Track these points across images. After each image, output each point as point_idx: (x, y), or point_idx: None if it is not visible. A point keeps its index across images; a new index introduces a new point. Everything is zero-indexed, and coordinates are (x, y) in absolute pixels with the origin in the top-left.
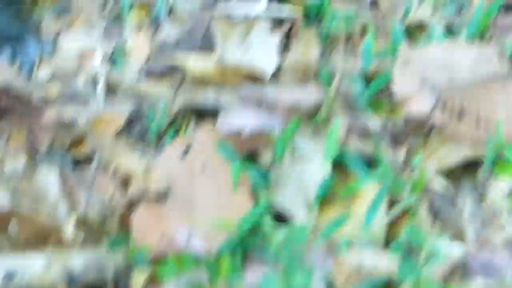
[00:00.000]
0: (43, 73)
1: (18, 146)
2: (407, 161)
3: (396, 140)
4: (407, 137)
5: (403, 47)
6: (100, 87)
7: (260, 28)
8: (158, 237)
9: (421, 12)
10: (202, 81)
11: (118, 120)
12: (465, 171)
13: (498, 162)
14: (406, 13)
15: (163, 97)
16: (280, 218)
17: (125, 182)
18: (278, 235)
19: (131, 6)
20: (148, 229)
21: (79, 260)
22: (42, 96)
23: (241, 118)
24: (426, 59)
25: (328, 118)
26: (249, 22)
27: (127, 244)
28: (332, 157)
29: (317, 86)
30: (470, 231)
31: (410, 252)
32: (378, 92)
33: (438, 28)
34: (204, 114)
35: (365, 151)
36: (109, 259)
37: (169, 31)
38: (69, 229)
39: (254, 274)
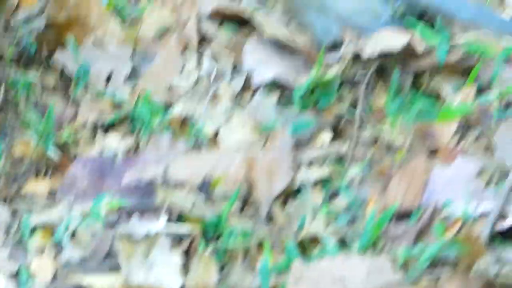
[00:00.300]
0: None
1: None
2: None
3: None
4: None
5: (296, 263)
6: None
7: (161, 246)
8: None
9: (314, 226)
10: None
11: None
12: None
13: None
14: (300, 227)
15: None
16: None
17: None
18: None
19: (33, 229)
20: None
21: None
22: None
23: None
24: (319, 274)
25: None
26: (150, 240)
27: None
28: None
29: None
30: None
31: None
32: None
33: (331, 241)
34: None
35: None
36: None
37: (73, 252)
38: None
39: None
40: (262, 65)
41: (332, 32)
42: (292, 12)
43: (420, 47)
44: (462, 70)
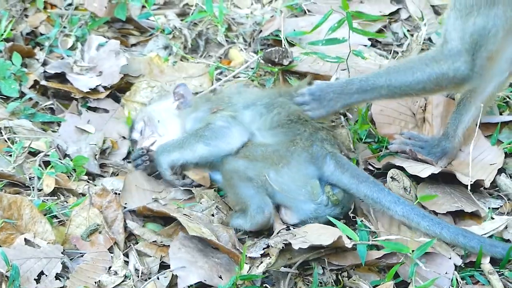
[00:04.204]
0: None
1: None
2: None
3: None
4: None
5: None
6: None
7: None
8: None
9: None
10: None
11: None
12: None
13: None
14: None
15: None
16: None
17: None
18: None
19: None
20: None
21: None
22: None
23: None
24: None
25: None
26: None
27: None
28: None
29: None
30: None
31: None
32: None
33: None
34: None
35: None
36: None
37: None
38: None
39: None
40: (187, 266)
41: (265, 212)
42: (231, 187)
43: (348, 244)
44: (381, 266)
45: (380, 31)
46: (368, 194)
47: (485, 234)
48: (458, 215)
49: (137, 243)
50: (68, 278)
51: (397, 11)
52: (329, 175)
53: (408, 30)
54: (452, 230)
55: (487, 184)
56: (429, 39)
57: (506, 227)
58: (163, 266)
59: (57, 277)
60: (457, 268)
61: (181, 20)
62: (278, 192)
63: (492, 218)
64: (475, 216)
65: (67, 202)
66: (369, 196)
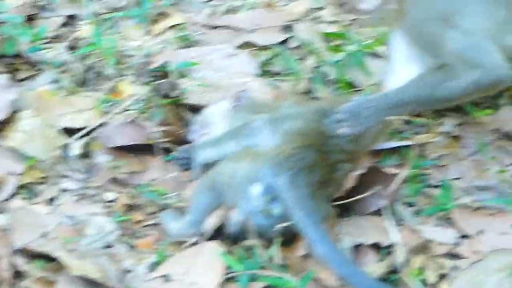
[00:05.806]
0: None
1: None
2: None
3: None
4: None
5: None
6: None
7: None
8: None
9: None
10: None
11: None
12: None
13: None
14: None
15: None
16: None
17: None
18: None
19: None
20: None
21: None
22: None
23: None
24: None
25: None
26: None
27: None
28: None
29: None
30: None
31: None
32: None
33: None
34: None
35: None
36: None
37: None
38: None
39: None
40: None
41: (191, 231)
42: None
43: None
44: None
45: (270, 60)
46: (298, 223)
47: None
48: None
49: (24, 280)
50: None
51: (286, 40)
52: (277, 186)
53: (298, 59)
54: (367, 283)
55: None
56: (318, 67)
57: None
58: None
59: None
60: None
61: (71, 53)
62: (227, 186)
63: None
64: None
65: None
66: (299, 226)
